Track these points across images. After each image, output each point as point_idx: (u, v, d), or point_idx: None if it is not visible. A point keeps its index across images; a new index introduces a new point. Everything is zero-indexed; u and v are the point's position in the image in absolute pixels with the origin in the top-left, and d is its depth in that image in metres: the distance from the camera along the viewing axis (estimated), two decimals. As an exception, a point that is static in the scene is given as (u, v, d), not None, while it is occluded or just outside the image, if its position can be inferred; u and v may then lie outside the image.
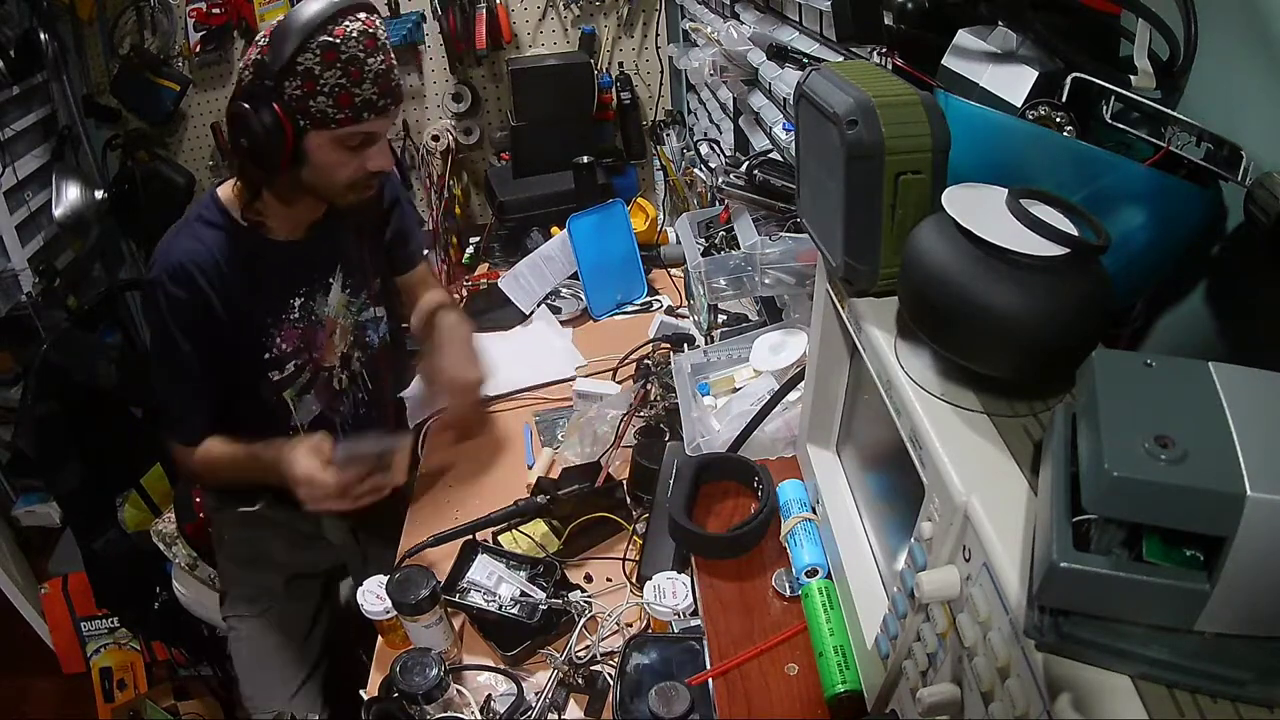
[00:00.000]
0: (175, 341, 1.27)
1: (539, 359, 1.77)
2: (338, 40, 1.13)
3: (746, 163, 1.37)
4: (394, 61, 1.21)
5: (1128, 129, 0.62)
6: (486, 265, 2.27)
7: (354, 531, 1.51)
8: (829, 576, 0.88)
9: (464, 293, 2.12)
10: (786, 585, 0.92)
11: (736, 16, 1.70)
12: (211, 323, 1.28)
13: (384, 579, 1.08)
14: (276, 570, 1.47)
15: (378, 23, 1.18)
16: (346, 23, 1.14)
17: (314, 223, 1.35)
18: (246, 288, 1.29)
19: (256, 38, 1.18)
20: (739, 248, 1.36)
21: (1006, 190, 0.57)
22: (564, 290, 1.98)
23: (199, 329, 1.27)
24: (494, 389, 1.62)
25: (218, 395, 1.36)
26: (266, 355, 1.35)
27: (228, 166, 1.24)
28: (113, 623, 2.16)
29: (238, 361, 1.33)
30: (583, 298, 1.92)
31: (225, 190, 1.31)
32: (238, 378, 1.36)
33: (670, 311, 1.89)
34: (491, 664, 1.07)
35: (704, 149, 1.93)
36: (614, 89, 2.48)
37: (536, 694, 1.00)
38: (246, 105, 1.15)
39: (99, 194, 2.50)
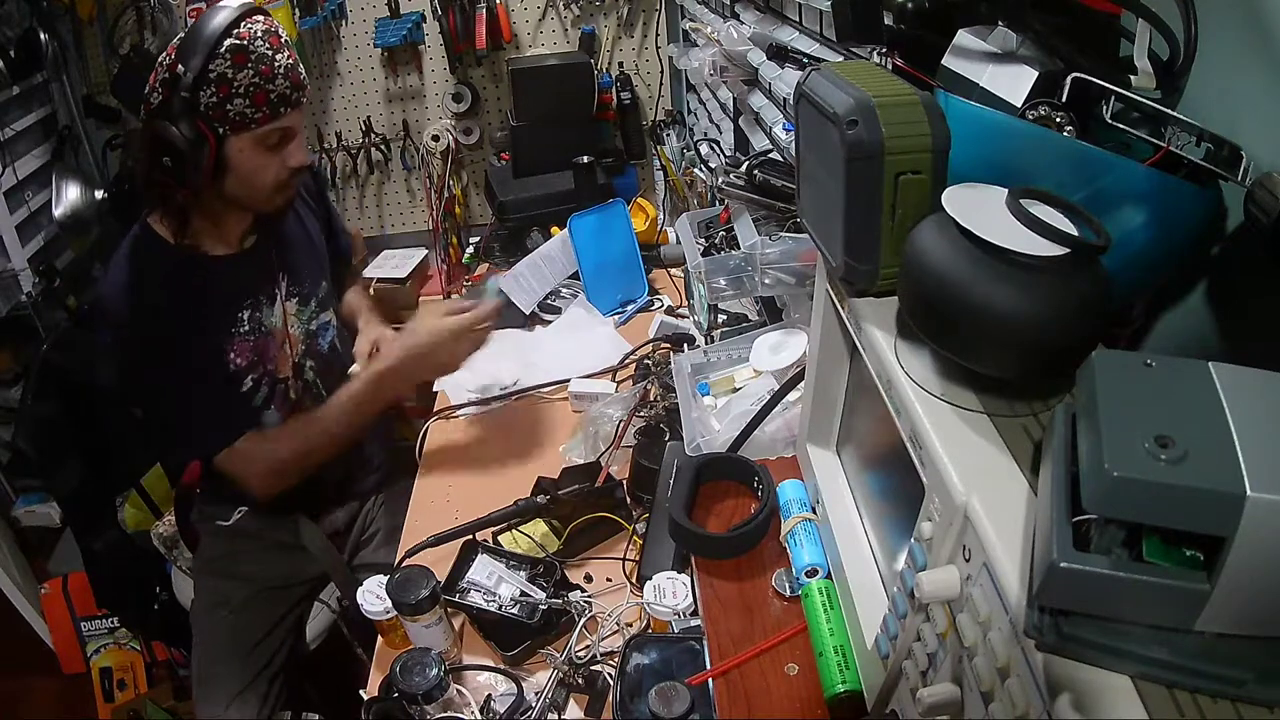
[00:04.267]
0: (156, 365, 1.29)
1: (582, 350, 1.77)
2: (245, 42, 1.16)
3: (746, 163, 1.36)
4: (296, 55, 1.24)
5: (1128, 129, 0.62)
6: (486, 265, 2.27)
7: (334, 538, 1.54)
8: (829, 576, 0.88)
9: (464, 293, 2.12)
10: (786, 585, 0.92)
11: (736, 16, 1.70)
12: (171, 347, 1.29)
13: (384, 579, 1.08)
14: (243, 581, 1.49)
15: (275, 22, 1.22)
16: (249, 25, 1.18)
17: (247, 233, 1.36)
18: (194, 309, 1.30)
19: (160, 58, 1.19)
20: (739, 248, 1.36)
21: (1006, 190, 0.57)
22: (564, 290, 1.98)
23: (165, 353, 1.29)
24: (538, 379, 1.67)
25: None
26: (225, 374, 1.37)
27: (148, 197, 1.24)
28: (113, 623, 2.16)
29: (204, 382, 1.35)
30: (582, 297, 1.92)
31: (154, 217, 1.31)
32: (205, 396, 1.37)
33: (670, 311, 1.89)
34: (491, 664, 1.07)
35: (704, 149, 1.93)
36: (614, 89, 2.47)
37: (536, 694, 1.00)
38: (166, 123, 1.16)
39: (99, 194, 2.49)
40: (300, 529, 1.49)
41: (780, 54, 1.32)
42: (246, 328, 1.37)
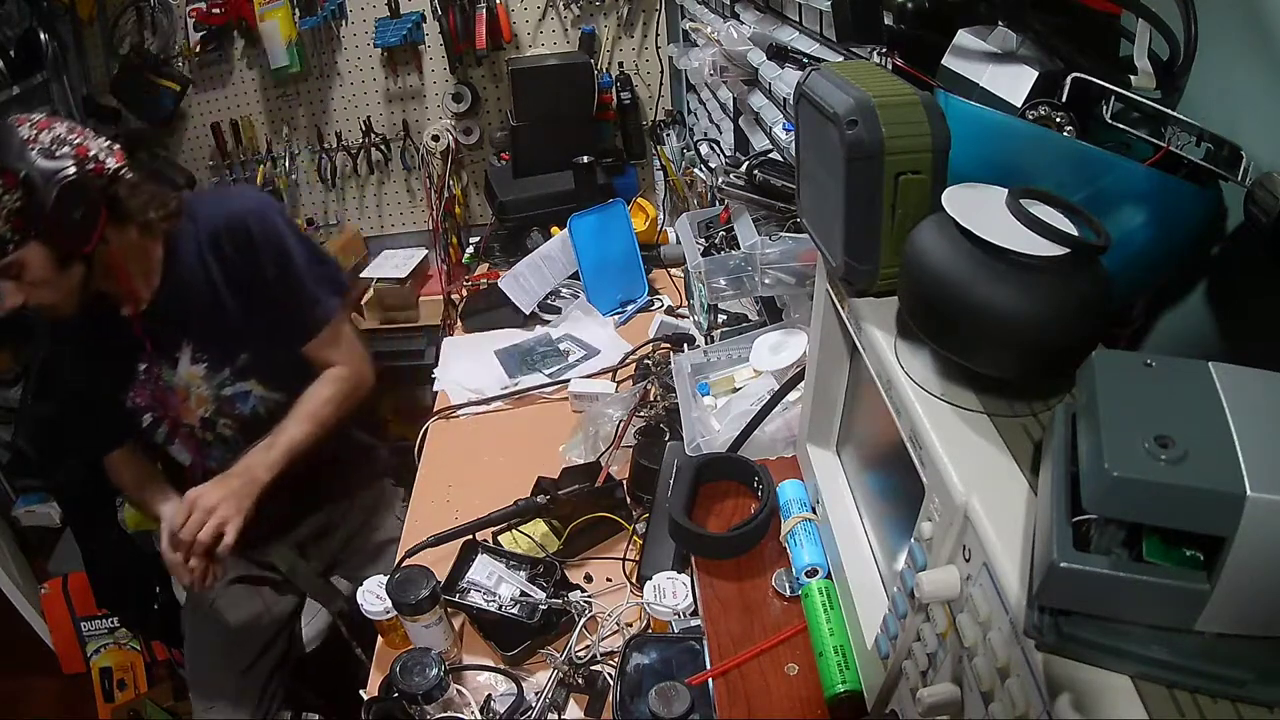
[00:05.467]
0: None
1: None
2: None
3: (746, 163, 1.36)
4: (34, 198, 1.12)
5: (1128, 129, 0.62)
6: (486, 265, 2.27)
7: (306, 547, 1.56)
8: (829, 576, 0.88)
9: (464, 293, 2.12)
10: (786, 585, 0.92)
11: (736, 16, 1.70)
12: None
13: (383, 579, 1.08)
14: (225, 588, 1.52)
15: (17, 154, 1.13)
16: None
17: (155, 295, 1.34)
18: (93, 356, 1.35)
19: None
20: (739, 248, 1.36)
21: (1006, 190, 0.57)
22: (564, 290, 1.98)
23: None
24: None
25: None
26: (125, 407, 1.41)
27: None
28: (113, 623, 2.16)
29: (95, 403, 1.41)
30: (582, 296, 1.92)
31: None
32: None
33: (670, 311, 1.89)
34: (491, 664, 1.07)
35: (704, 149, 1.93)
36: (614, 89, 2.48)
37: (536, 694, 1.00)
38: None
39: (99, 194, 2.49)
40: (270, 551, 1.50)
41: (780, 54, 1.32)
42: (144, 378, 1.39)
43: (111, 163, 1.20)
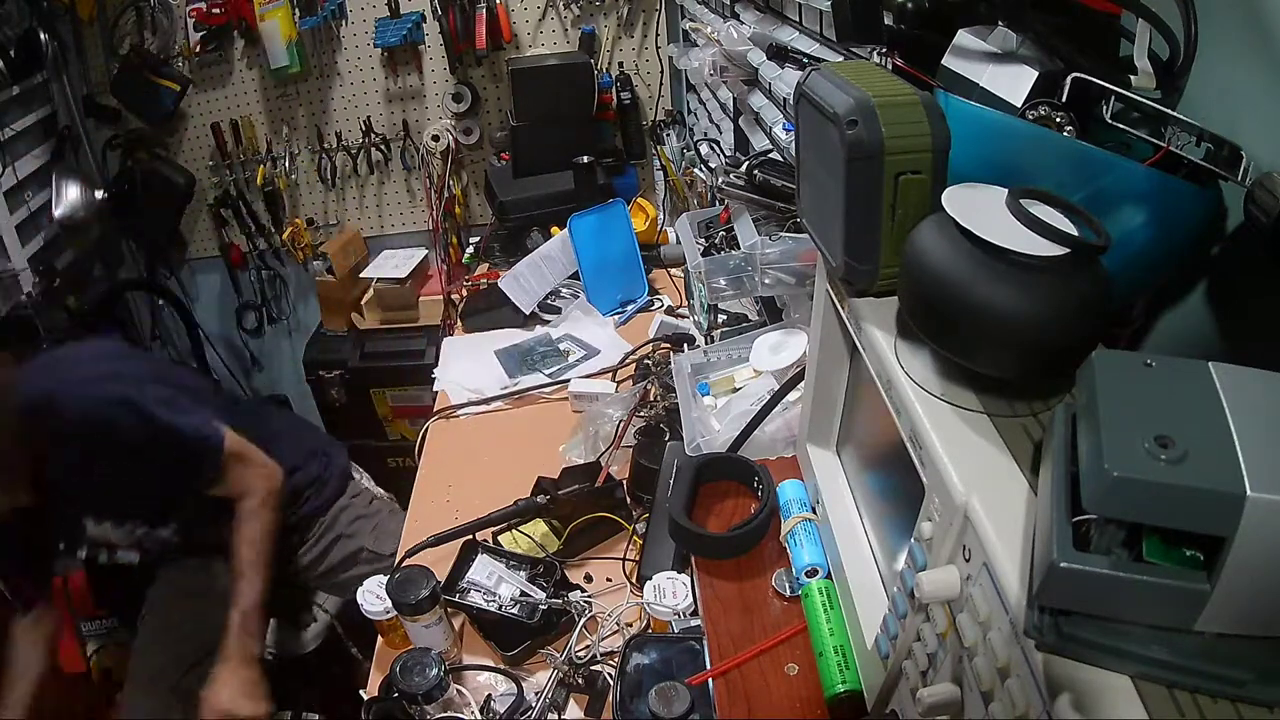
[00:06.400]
0: None
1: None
2: None
3: (746, 163, 1.36)
4: None
5: (1128, 129, 0.62)
6: (486, 265, 2.27)
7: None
8: (829, 576, 0.88)
9: (464, 293, 2.12)
10: (786, 585, 0.92)
11: (736, 16, 1.70)
12: None
13: (384, 579, 1.08)
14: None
15: None
16: None
17: (35, 499, 1.32)
18: (10, 539, 1.36)
19: None
20: (739, 248, 1.36)
21: (1006, 190, 0.57)
22: (564, 290, 1.98)
23: None
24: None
25: None
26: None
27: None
28: (113, 623, 2.16)
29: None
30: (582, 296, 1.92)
31: None
32: None
33: (670, 311, 1.89)
34: (491, 664, 1.07)
35: (704, 149, 1.93)
36: (614, 89, 2.48)
37: (536, 694, 1.00)
38: None
39: (99, 194, 2.49)
40: (216, 575, 1.50)
41: (780, 54, 1.32)
42: (63, 546, 1.44)
43: None
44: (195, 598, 1.56)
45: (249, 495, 1.39)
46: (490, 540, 1.21)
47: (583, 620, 1.07)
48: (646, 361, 1.60)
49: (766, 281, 1.28)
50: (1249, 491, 0.36)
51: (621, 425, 1.36)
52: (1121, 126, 0.62)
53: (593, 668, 1.02)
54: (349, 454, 1.76)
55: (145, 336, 2.86)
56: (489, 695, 1.01)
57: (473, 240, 2.50)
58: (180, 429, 1.30)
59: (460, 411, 1.64)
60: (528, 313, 1.93)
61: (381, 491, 1.74)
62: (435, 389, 1.74)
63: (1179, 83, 0.65)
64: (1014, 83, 0.68)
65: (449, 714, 0.95)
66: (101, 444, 1.26)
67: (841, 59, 1.11)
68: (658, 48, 2.48)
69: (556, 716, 0.99)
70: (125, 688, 1.57)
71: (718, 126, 2.08)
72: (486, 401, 1.64)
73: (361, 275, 2.55)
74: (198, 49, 2.46)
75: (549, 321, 1.92)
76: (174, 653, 1.52)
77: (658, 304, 1.94)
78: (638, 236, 1.97)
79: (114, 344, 1.38)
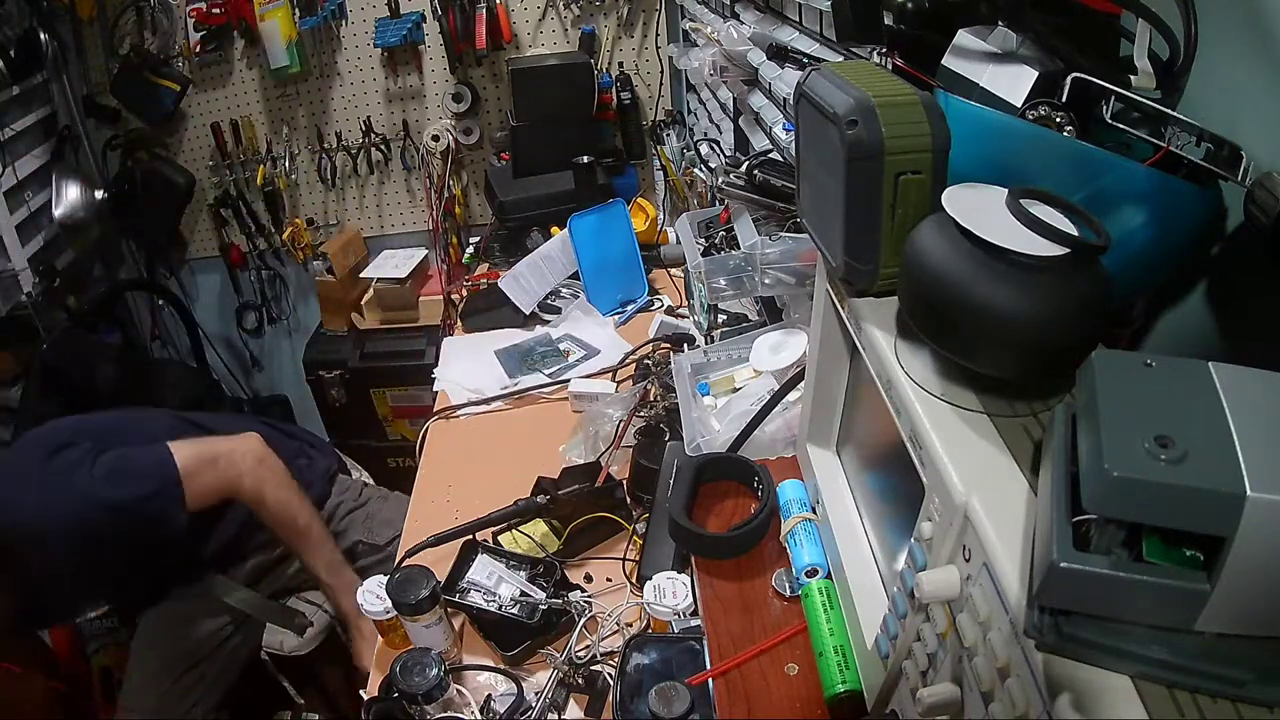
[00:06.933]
0: None
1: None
2: None
3: (746, 163, 1.36)
4: None
5: (1128, 129, 0.62)
6: (486, 265, 2.27)
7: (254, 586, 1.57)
8: (829, 576, 0.88)
9: (464, 293, 2.12)
10: (786, 585, 0.92)
11: (736, 16, 1.70)
12: None
13: (384, 579, 1.08)
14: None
15: None
16: None
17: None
18: None
19: None
20: (739, 248, 1.36)
21: (1006, 190, 0.57)
22: (564, 290, 1.98)
23: None
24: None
25: None
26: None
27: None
28: (113, 623, 2.16)
29: None
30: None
31: None
32: None
33: (670, 311, 1.89)
34: (491, 664, 1.07)
35: (704, 149, 1.93)
36: (614, 89, 2.48)
37: (536, 694, 0.99)
38: None
39: (99, 194, 2.49)
40: (210, 586, 1.51)
41: (780, 54, 1.32)
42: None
43: None
44: (192, 600, 1.56)
45: (240, 481, 1.37)
46: (490, 540, 1.21)
47: (583, 620, 1.07)
48: (646, 361, 1.60)
49: (766, 281, 1.28)
50: (1249, 491, 0.36)
51: (621, 425, 1.36)
52: (1121, 126, 0.62)
53: (593, 668, 1.02)
54: (349, 453, 1.76)
55: (145, 336, 2.86)
56: (489, 695, 1.01)
57: (473, 240, 2.50)
58: (140, 497, 1.28)
59: (460, 411, 1.64)
60: (528, 313, 1.92)
61: (371, 481, 1.76)
62: (435, 389, 1.74)
63: (1179, 83, 0.65)
64: (1014, 83, 0.68)
65: (449, 714, 0.95)
66: (80, 546, 1.25)
67: (841, 59, 1.11)
68: (658, 48, 2.48)
69: (556, 716, 0.99)
70: (124, 688, 1.57)
71: (718, 126, 2.08)
72: (486, 401, 1.64)
73: (361, 275, 2.55)
74: (198, 49, 2.46)
75: (549, 321, 1.92)
76: (172, 653, 1.53)
77: (658, 304, 1.94)
78: (638, 236, 1.97)
79: (39, 437, 1.34)
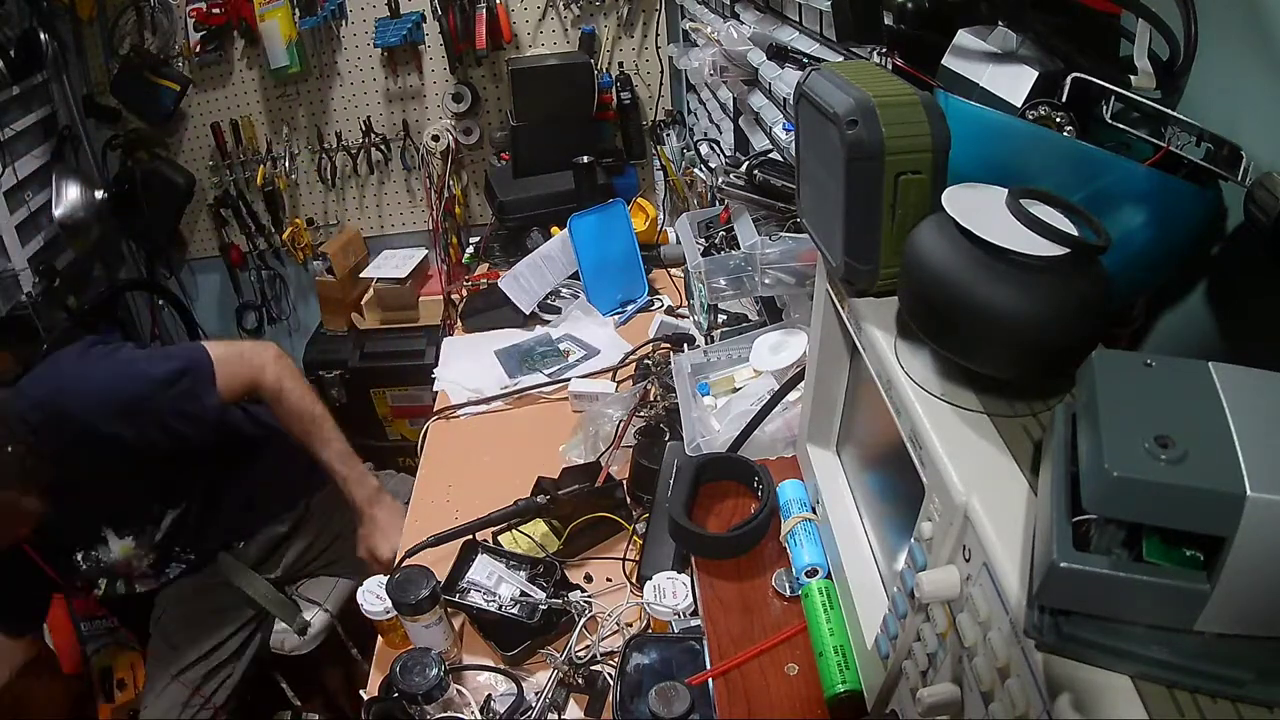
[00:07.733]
0: None
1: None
2: None
3: (746, 163, 1.36)
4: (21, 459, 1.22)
5: (1128, 129, 0.62)
6: (486, 265, 2.27)
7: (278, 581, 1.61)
8: (829, 576, 0.88)
9: (464, 293, 2.12)
10: (786, 585, 0.92)
11: (736, 16, 1.70)
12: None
13: (384, 579, 1.08)
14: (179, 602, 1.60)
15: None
16: None
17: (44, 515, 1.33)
18: (26, 566, 1.39)
19: None
20: (739, 248, 1.36)
21: (1006, 190, 0.57)
22: (564, 290, 1.98)
23: None
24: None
25: None
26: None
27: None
28: (113, 623, 2.16)
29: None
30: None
31: None
32: None
33: (670, 311, 1.89)
34: (491, 664, 1.07)
35: (704, 149, 1.93)
36: (614, 89, 2.48)
37: (536, 694, 0.99)
38: None
39: (99, 194, 2.50)
40: (221, 567, 1.55)
41: (780, 54, 1.32)
42: (85, 568, 1.44)
43: None
44: (205, 592, 1.58)
45: (263, 372, 1.43)
46: (490, 540, 1.21)
47: (583, 620, 1.07)
48: (646, 361, 1.60)
49: (766, 281, 1.28)
50: (1249, 491, 0.36)
51: (621, 425, 1.36)
52: (1121, 126, 0.62)
53: (593, 668, 1.02)
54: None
55: (145, 336, 2.86)
56: (489, 695, 1.01)
57: (473, 240, 2.50)
58: (177, 370, 1.35)
59: (460, 411, 1.64)
60: (528, 313, 1.92)
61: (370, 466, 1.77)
62: (435, 389, 1.74)
63: (1179, 83, 0.65)
64: (1014, 83, 0.68)
65: (449, 714, 0.95)
66: (125, 414, 1.30)
67: (841, 59, 1.11)
68: (658, 48, 2.48)
69: (556, 716, 0.99)
70: (144, 688, 1.61)
71: (718, 126, 2.09)
72: (486, 401, 1.64)
73: (361, 275, 2.55)
74: (198, 49, 2.46)
75: (549, 321, 1.92)
76: (187, 643, 1.56)
77: (658, 304, 1.94)
78: (638, 236, 1.97)
79: (88, 341, 1.41)
